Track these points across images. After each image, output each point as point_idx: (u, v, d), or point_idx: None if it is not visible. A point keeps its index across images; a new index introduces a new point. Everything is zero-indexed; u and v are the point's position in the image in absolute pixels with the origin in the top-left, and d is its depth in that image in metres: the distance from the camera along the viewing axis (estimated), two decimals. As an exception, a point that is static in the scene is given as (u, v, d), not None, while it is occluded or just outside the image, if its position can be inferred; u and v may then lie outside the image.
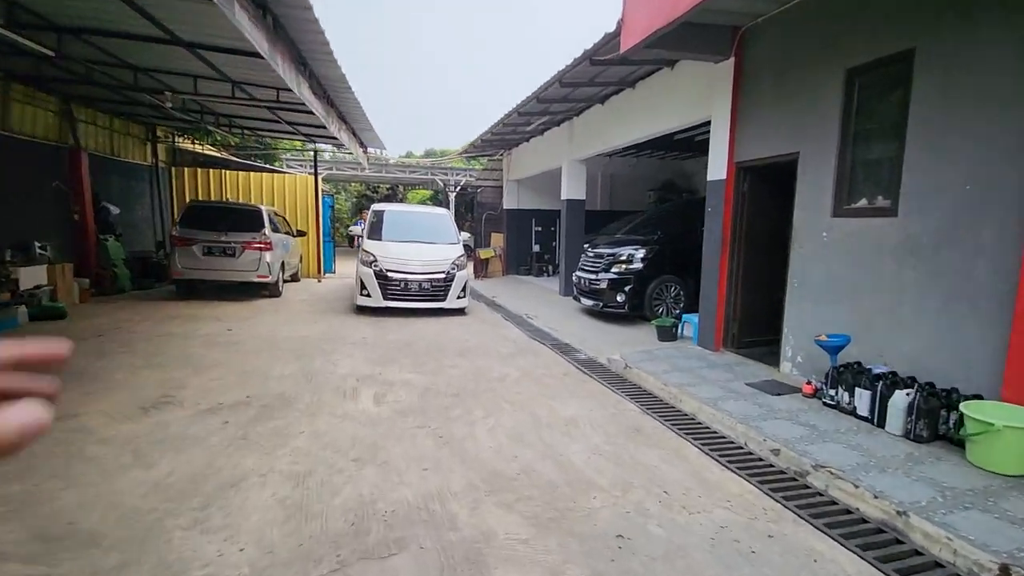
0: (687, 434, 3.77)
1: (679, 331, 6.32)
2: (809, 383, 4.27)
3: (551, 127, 10.54)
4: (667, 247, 7.27)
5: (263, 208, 9.26)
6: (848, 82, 4.29)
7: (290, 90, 5.07)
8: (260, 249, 8.62)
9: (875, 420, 3.63)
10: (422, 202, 25.98)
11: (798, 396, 4.30)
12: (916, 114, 3.74)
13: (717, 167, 5.62)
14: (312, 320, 7.39)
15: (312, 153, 11.85)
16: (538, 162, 11.38)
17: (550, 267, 13.44)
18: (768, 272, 5.69)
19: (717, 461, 3.32)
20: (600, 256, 7.67)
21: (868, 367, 3.93)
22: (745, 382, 4.66)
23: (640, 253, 7.24)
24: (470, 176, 16.55)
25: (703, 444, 3.58)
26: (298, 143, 12.70)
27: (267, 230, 8.74)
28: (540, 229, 13.83)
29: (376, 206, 9.26)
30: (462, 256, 8.31)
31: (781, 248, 5.68)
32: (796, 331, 4.75)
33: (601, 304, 7.38)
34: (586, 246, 8.34)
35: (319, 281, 11.88)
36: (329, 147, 13.49)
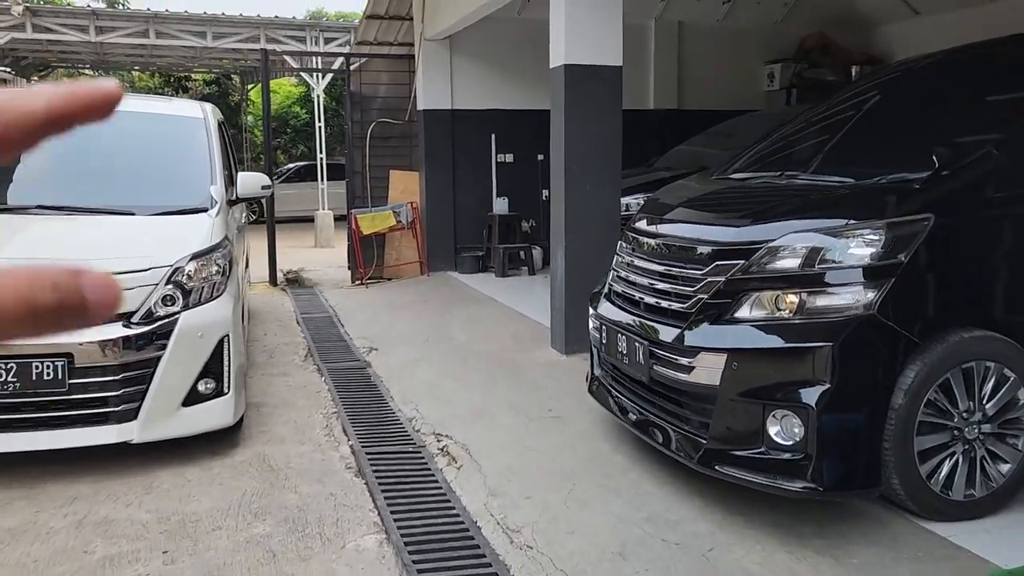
0: None
1: None
2: None
3: None
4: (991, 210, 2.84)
5: None
6: None
7: None
8: None
9: None
10: (287, 107, 21.44)
11: None
12: None
13: None
14: None
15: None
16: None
17: (530, 255, 9.13)
18: None
19: None
20: (689, 257, 3.23)
21: None
22: None
23: (864, 249, 2.79)
24: (346, 43, 12.13)
25: None
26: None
27: None
28: (511, 159, 9.73)
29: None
30: (218, 252, 4.02)
31: None
32: None
33: (700, 442, 3.03)
34: (636, 216, 3.92)
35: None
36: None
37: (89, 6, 14.02)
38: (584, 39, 5.39)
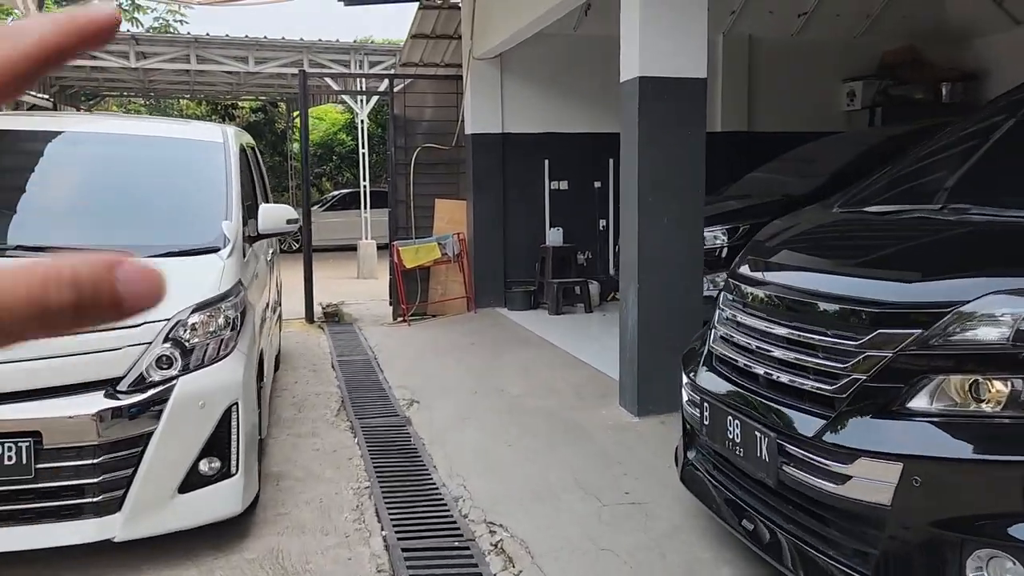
0: None
1: None
2: None
3: None
4: None
5: None
6: None
7: None
8: None
9: None
10: (333, 134, 21.06)
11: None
12: None
13: None
14: None
15: None
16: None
17: (586, 291, 8.43)
18: None
19: None
20: (832, 320, 2.49)
21: None
22: None
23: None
24: (391, 67, 11.56)
25: None
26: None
27: None
28: (566, 187, 8.99)
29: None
30: (228, 301, 3.35)
31: None
32: None
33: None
34: (741, 259, 3.07)
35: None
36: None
37: (129, 31, 13.75)
38: (662, 47, 4.60)
